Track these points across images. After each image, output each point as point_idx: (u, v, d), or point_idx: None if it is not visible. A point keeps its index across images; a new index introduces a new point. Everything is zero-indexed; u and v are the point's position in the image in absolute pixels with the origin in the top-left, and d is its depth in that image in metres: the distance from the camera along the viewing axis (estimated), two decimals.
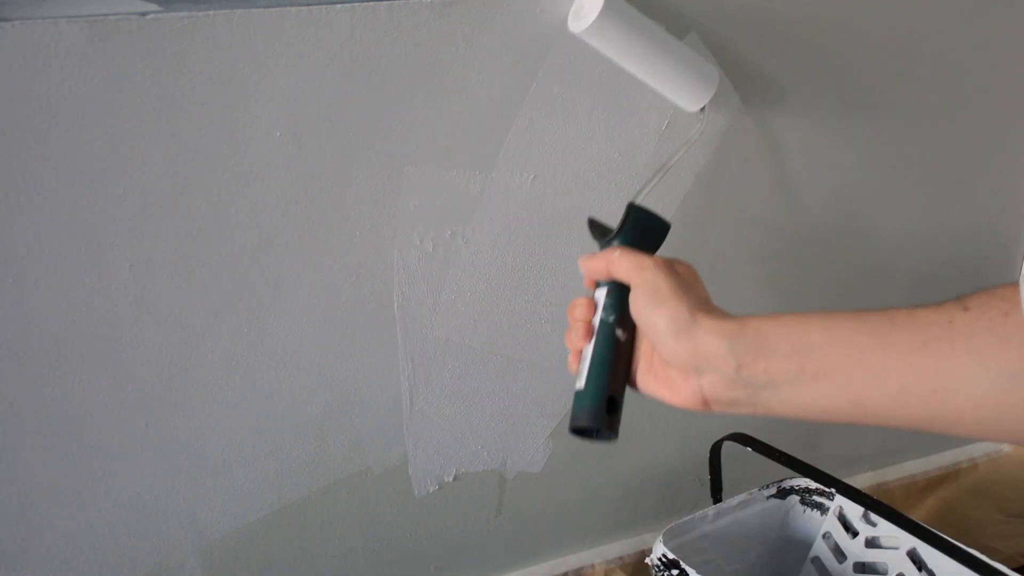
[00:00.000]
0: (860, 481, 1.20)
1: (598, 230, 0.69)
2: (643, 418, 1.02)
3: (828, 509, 0.97)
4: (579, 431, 0.63)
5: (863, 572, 0.95)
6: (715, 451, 0.98)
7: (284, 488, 0.87)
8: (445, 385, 0.90)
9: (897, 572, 0.91)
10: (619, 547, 1.07)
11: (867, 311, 0.55)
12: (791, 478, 0.98)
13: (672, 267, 0.63)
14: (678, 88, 0.83)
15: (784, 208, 1.01)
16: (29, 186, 0.68)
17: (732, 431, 0.98)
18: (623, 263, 0.64)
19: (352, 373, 0.86)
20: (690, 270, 0.65)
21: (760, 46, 0.92)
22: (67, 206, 0.70)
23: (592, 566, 1.05)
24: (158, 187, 0.72)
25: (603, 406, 0.62)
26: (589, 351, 0.64)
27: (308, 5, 0.72)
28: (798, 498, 0.98)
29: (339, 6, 0.73)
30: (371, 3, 0.74)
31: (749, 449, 0.95)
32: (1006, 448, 1.27)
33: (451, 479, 0.95)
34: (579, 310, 0.67)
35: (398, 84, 0.77)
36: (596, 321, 0.65)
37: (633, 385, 0.64)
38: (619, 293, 0.65)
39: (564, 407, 0.97)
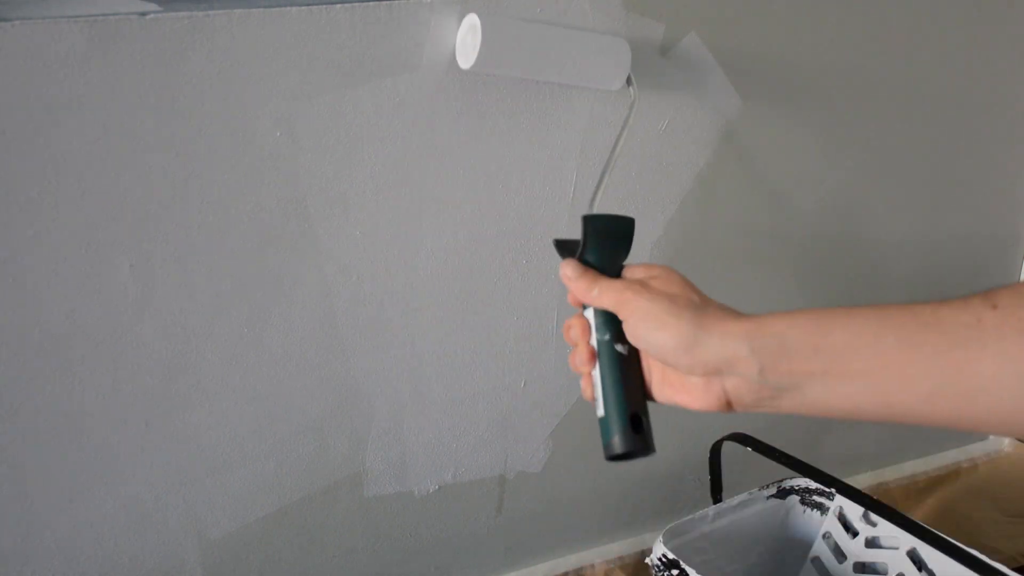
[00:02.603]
0: (860, 481, 1.20)
1: (565, 249, 0.67)
2: None
3: (828, 509, 0.97)
4: (614, 457, 0.62)
5: (863, 572, 0.95)
6: (715, 451, 0.98)
7: (284, 488, 0.87)
8: (445, 385, 0.90)
9: (897, 572, 0.91)
10: (619, 547, 1.07)
11: (889, 307, 0.53)
12: (791, 478, 0.98)
13: (652, 285, 0.61)
14: (594, 74, 0.80)
15: (783, 208, 1.01)
16: (29, 186, 0.68)
17: (732, 431, 0.98)
18: (604, 300, 0.62)
19: (352, 373, 0.86)
20: (671, 276, 0.62)
21: (760, 46, 0.92)
22: (67, 206, 0.70)
23: (592, 566, 1.05)
24: (158, 187, 0.72)
25: (628, 427, 0.61)
26: (597, 375, 0.63)
27: (308, 5, 0.72)
28: (798, 498, 0.98)
29: (339, 6, 0.73)
30: (371, 3, 0.74)
31: (749, 449, 0.95)
32: (1006, 448, 1.27)
33: (451, 479, 0.95)
34: (574, 332, 0.64)
35: (398, 84, 0.77)
36: (594, 341, 0.63)
37: (650, 396, 0.62)
38: (609, 313, 0.63)
39: (564, 407, 0.97)
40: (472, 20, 0.75)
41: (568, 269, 0.65)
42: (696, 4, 0.86)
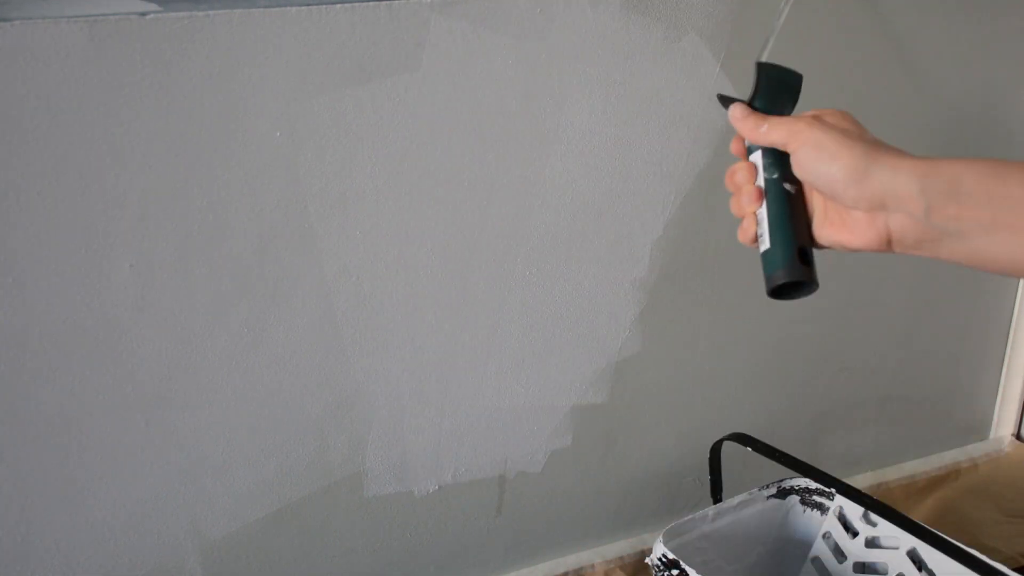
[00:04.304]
0: (860, 481, 1.20)
1: (729, 102, 0.68)
2: (643, 417, 1.02)
3: (828, 509, 0.97)
4: (778, 290, 0.62)
5: (863, 572, 0.95)
6: (715, 451, 0.98)
7: (284, 488, 0.87)
8: (445, 385, 0.90)
9: (897, 572, 0.91)
10: (619, 547, 1.07)
11: None
12: (791, 478, 0.98)
13: (824, 120, 0.61)
14: None
15: None
16: (29, 186, 0.68)
17: (732, 431, 0.98)
18: (774, 135, 0.63)
19: (352, 373, 0.86)
20: (845, 117, 0.62)
21: (760, 46, 0.92)
22: (67, 206, 0.70)
23: (592, 566, 1.05)
24: (158, 187, 0.72)
25: (795, 258, 0.61)
26: (764, 212, 0.64)
27: (308, 5, 0.72)
28: (798, 498, 0.98)
29: (339, 6, 0.73)
30: (371, 3, 0.74)
31: (749, 449, 0.95)
32: (1006, 448, 1.27)
33: (451, 479, 0.95)
34: (740, 175, 0.65)
35: (398, 84, 0.77)
36: (761, 182, 0.64)
37: (812, 237, 0.63)
38: (777, 152, 0.64)
39: (564, 407, 0.97)
40: None
41: (737, 111, 0.66)
42: (696, 4, 0.86)
